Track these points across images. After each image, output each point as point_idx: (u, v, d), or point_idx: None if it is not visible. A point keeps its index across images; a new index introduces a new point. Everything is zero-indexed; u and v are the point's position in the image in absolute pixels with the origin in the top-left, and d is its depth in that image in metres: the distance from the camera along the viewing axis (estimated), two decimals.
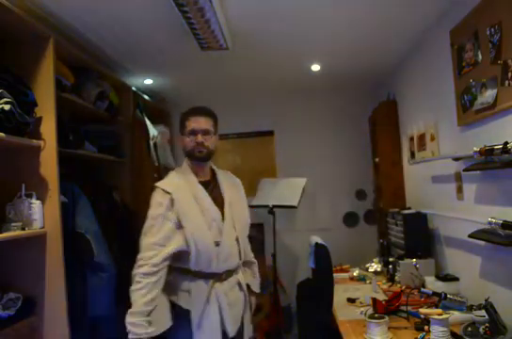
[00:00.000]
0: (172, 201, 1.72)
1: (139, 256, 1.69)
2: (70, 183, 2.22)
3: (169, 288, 1.74)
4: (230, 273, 1.81)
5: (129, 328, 1.58)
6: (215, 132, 1.87)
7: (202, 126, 1.80)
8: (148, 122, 3.14)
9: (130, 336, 1.57)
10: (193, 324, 1.70)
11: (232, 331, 1.75)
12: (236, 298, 1.82)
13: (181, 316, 1.72)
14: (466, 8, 1.94)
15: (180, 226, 1.71)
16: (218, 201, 1.83)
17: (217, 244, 1.75)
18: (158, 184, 1.80)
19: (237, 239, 1.83)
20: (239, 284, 1.84)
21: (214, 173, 1.93)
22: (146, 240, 1.71)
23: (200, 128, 1.80)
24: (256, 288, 1.96)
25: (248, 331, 1.87)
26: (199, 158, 1.82)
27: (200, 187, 1.81)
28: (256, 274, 1.99)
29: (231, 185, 1.93)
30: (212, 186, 1.87)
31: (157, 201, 1.74)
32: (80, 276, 2.14)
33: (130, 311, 1.60)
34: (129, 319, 1.59)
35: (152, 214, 1.73)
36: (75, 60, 2.34)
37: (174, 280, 1.75)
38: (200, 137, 1.79)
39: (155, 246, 1.68)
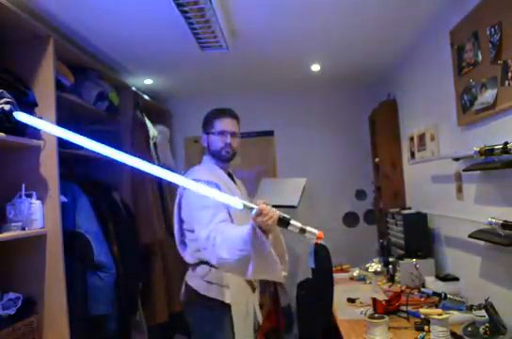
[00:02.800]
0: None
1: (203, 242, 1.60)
2: (70, 183, 2.22)
3: (204, 285, 1.74)
4: None
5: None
6: (239, 135, 1.92)
7: (231, 128, 1.87)
8: (148, 122, 3.14)
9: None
10: (237, 317, 1.69)
11: (261, 321, 1.82)
12: (257, 289, 1.90)
13: (218, 311, 1.72)
14: (466, 8, 1.94)
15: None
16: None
17: None
18: (198, 177, 1.72)
19: None
20: None
21: (229, 173, 1.98)
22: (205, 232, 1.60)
23: (228, 130, 1.85)
24: None
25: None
26: (225, 158, 1.87)
27: (232, 183, 1.88)
28: None
29: (241, 186, 2.02)
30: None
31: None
32: (80, 276, 2.14)
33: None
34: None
35: (209, 204, 1.63)
36: (75, 60, 2.34)
37: (209, 275, 1.75)
38: (229, 139, 1.84)
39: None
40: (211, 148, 1.87)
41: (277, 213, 1.40)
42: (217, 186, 1.72)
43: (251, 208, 1.38)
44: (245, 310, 1.72)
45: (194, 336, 1.81)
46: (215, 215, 1.63)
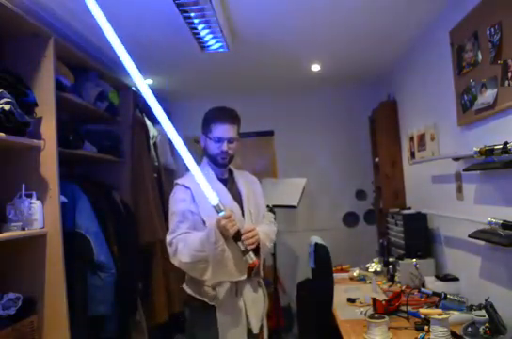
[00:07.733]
0: (193, 196, 1.75)
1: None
2: (70, 183, 2.22)
3: (192, 284, 1.76)
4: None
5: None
6: (238, 137, 1.88)
7: (229, 135, 1.81)
8: (148, 122, 3.14)
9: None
10: (220, 320, 1.70)
11: (256, 328, 1.77)
12: (258, 296, 1.85)
13: (205, 312, 1.72)
14: (466, 8, 1.94)
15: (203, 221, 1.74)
16: (237, 197, 1.86)
17: None
18: (178, 180, 1.83)
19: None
20: (258, 282, 1.87)
21: (231, 171, 1.97)
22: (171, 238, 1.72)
23: (226, 137, 1.81)
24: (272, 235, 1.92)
25: (267, 329, 1.91)
26: (221, 165, 1.86)
27: (220, 184, 1.85)
28: (272, 220, 2.01)
29: (248, 183, 1.96)
30: (230, 183, 1.91)
31: (180, 198, 1.77)
32: (80, 276, 2.14)
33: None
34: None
35: (177, 210, 1.75)
36: (75, 60, 2.33)
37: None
38: (225, 146, 1.80)
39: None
40: (207, 152, 1.87)
41: (238, 225, 1.57)
42: (191, 190, 1.76)
43: (220, 210, 1.54)
44: (229, 313, 1.71)
45: (186, 336, 1.83)
46: (180, 222, 1.73)
